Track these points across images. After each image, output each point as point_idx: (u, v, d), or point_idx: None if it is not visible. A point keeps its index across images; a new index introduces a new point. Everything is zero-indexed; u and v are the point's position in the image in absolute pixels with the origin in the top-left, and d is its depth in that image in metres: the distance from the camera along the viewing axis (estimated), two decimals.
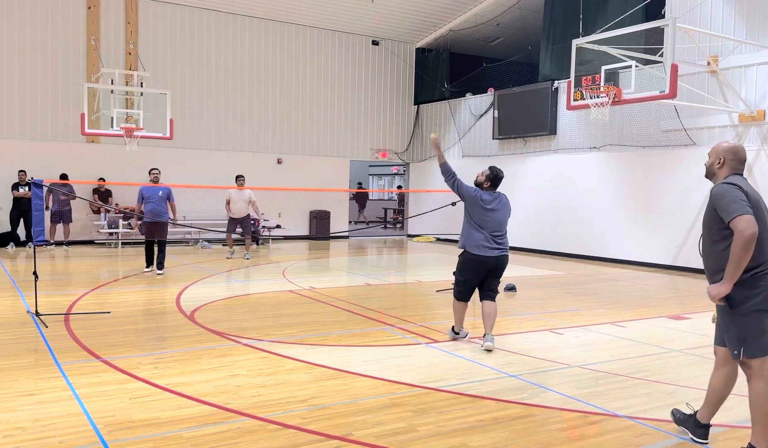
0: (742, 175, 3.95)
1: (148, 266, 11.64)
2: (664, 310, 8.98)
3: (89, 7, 16.45)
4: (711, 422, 4.18)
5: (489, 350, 6.31)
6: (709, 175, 4.02)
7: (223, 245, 17.28)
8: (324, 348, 6.38)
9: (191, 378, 5.30)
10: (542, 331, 7.43)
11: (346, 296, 9.74)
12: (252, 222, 17.66)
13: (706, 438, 4.17)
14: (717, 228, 3.78)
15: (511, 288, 10.28)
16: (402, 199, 26.81)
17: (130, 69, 16.52)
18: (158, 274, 11.31)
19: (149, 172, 11.95)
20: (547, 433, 4.31)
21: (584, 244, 15.50)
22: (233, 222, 13.99)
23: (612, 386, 5.34)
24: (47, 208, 14.94)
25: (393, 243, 20.32)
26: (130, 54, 16.90)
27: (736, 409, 4.85)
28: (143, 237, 11.82)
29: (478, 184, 6.58)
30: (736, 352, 3.79)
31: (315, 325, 7.58)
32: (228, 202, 14.02)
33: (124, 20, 16.88)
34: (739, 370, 3.99)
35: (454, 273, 6.73)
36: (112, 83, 14.59)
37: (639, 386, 5.39)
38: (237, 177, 14.25)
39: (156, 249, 11.52)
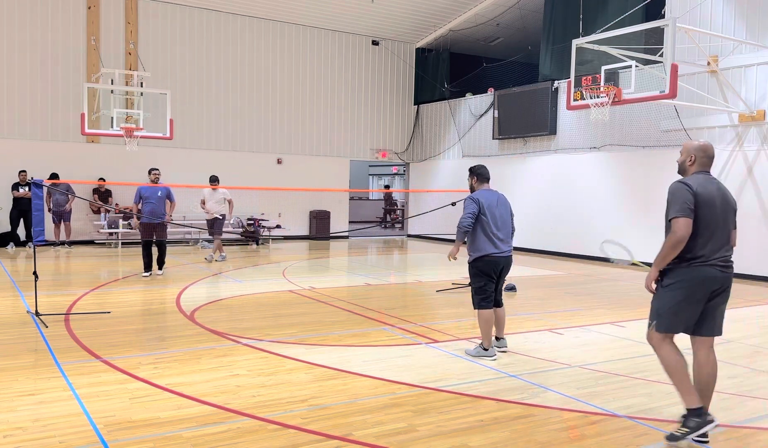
0: (708, 170, 4.30)
1: (146, 271, 11.19)
2: None
3: (89, 7, 16.45)
4: (703, 406, 4.15)
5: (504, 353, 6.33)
6: (681, 171, 4.38)
7: (224, 244, 17.29)
8: (324, 348, 6.38)
9: (191, 378, 5.30)
10: (542, 331, 7.43)
11: (346, 296, 9.74)
12: (252, 222, 17.72)
13: (709, 418, 4.09)
14: (668, 222, 4.13)
15: (511, 288, 10.27)
16: (388, 198, 26.72)
17: (130, 69, 16.52)
18: (158, 274, 11.21)
19: (149, 172, 11.69)
20: (547, 433, 4.31)
21: (584, 244, 15.49)
22: (209, 223, 13.59)
23: (612, 386, 5.34)
24: (49, 210, 14.99)
25: (393, 243, 20.32)
26: (130, 54, 16.91)
27: (736, 409, 4.85)
28: (141, 237, 11.61)
29: (471, 188, 6.49)
30: (650, 322, 4.23)
31: (315, 325, 7.58)
32: (203, 202, 13.63)
33: (124, 20, 16.88)
34: (708, 356, 4.20)
35: (470, 285, 6.38)
36: (112, 83, 14.57)
37: (639, 386, 5.38)
38: (211, 178, 13.64)
39: (155, 251, 11.32)
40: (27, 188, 14.68)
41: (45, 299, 8.44)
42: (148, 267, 11.24)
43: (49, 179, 14.65)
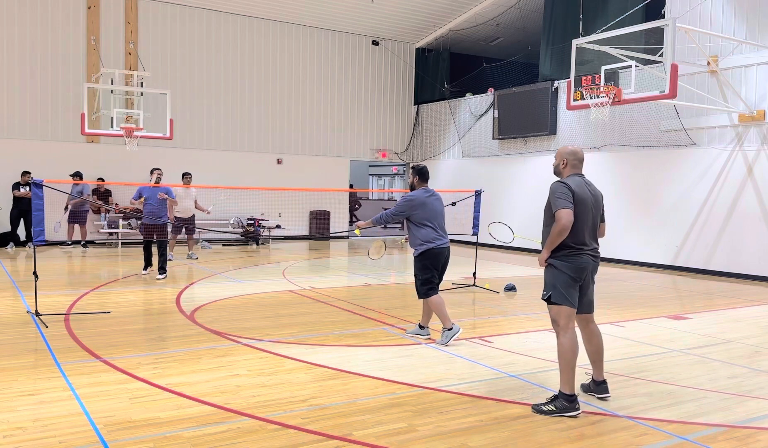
0: (580, 171, 4.94)
1: (145, 268, 11.33)
2: (664, 310, 8.98)
3: (89, 7, 16.45)
4: (605, 379, 5.00)
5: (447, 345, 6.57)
6: (557, 173, 4.99)
7: (224, 244, 17.31)
8: (324, 348, 6.38)
9: (191, 378, 5.30)
10: (542, 331, 7.43)
11: (346, 296, 9.74)
12: (252, 222, 17.72)
13: (607, 392, 4.96)
14: (550, 214, 4.78)
15: (511, 288, 10.27)
16: (352, 196, 26.56)
17: (130, 69, 16.52)
18: (158, 278, 10.80)
19: (151, 172, 11.59)
20: (547, 433, 4.31)
21: None
22: (179, 221, 13.45)
23: (612, 386, 5.33)
24: (66, 209, 15.05)
25: (393, 243, 20.31)
26: (130, 54, 16.91)
27: (736, 409, 4.86)
28: (143, 237, 11.62)
29: (411, 186, 6.85)
30: (545, 293, 4.81)
31: (315, 325, 7.58)
32: (175, 203, 13.36)
33: (124, 20, 16.89)
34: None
35: (415, 276, 6.66)
36: (112, 83, 14.57)
37: (639, 386, 5.39)
38: (184, 174, 13.76)
39: (156, 251, 11.15)
40: (27, 188, 14.67)
41: (45, 299, 8.44)
42: (147, 264, 11.37)
43: (73, 179, 14.77)
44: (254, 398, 4.83)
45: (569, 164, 4.91)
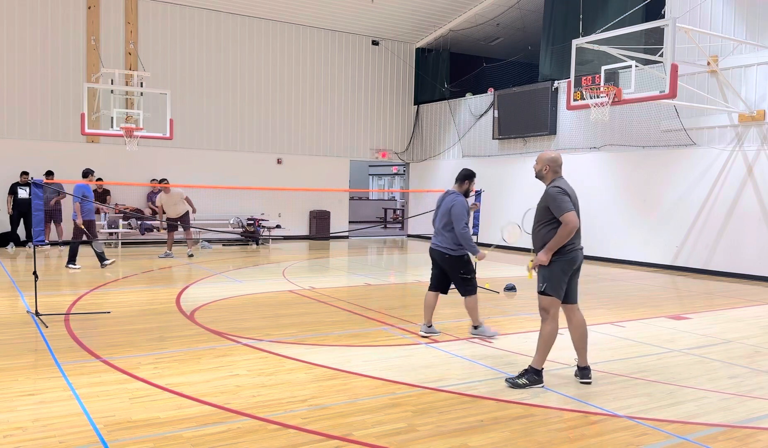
0: (561, 176, 5.33)
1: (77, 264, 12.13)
2: (664, 310, 8.98)
3: (89, 7, 16.45)
4: (589, 364, 5.42)
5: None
6: (540, 178, 5.39)
7: (224, 244, 17.31)
8: (324, 348, 6.38)
9: (191, 378, 5.30)
10: None
11: (346, 296, 9.74)
12: (252, 222, 17.73)
13: (589, 378, 5.36)
14: (547, 218, 5.19)
15: (511, 288, 10.27)
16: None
17: (130, 69, 16.52)
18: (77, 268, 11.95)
19: (92, 173, 12.46)
20: (547, 433, 4.31)
21: (584, 244, 15.47)
22: (172, 221, 14.30)
23: (612, 386, 5.34)
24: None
25: (393, 243, 20.32)
26: (130, 54, 16.91)
27: (736, 409, 4.86)
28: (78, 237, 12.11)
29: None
30: (541, 285, 5.22)
31: (315, 325, 7.58)
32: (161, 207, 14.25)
33: (124, 20, 16.89)
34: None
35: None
36: (112, 83, 14.57)
37: (639, 386, 5.39)
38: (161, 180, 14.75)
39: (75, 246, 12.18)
40: (27, 189, 14.66)
41: (45, 299, 8.44)
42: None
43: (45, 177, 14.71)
44: (254, 398, 4.83)
45: (551, 170, 5.30)
